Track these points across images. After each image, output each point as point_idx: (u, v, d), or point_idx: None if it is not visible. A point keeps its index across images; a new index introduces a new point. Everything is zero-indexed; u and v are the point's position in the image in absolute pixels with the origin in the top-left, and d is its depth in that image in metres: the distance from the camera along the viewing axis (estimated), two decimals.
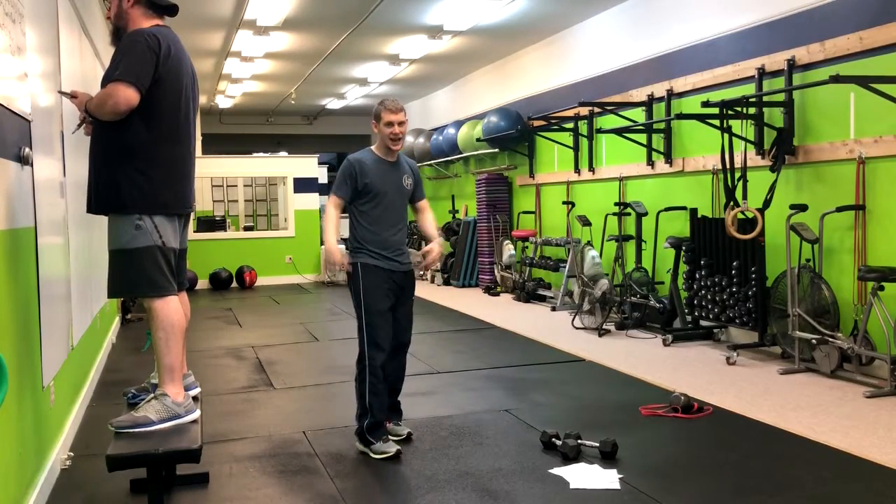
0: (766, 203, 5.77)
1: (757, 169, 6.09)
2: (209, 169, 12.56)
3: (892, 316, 4.85)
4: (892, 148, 5.10)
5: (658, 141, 7.51)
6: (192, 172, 3.34)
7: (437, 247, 4.04)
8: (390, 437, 4.00)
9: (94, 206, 3.20)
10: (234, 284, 12.14)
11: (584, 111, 8.65)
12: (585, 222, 8.08)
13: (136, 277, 3.12)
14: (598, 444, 3.78)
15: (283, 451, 4.00)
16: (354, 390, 3.96)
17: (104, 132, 3.13)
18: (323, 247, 3.86)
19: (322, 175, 14.08)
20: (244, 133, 17.03)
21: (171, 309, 3.14)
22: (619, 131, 7.53)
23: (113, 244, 3.14)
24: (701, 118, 6.06)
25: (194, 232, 12.10)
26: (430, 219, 4.21)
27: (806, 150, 5.79)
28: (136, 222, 3.09)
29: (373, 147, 4.06)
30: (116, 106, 3.01)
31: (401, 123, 3.94)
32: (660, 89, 7.42)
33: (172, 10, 3.34)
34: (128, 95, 3.00)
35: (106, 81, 3.08)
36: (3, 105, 2.84)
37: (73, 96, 3.24)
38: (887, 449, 3.78)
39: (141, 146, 3.10)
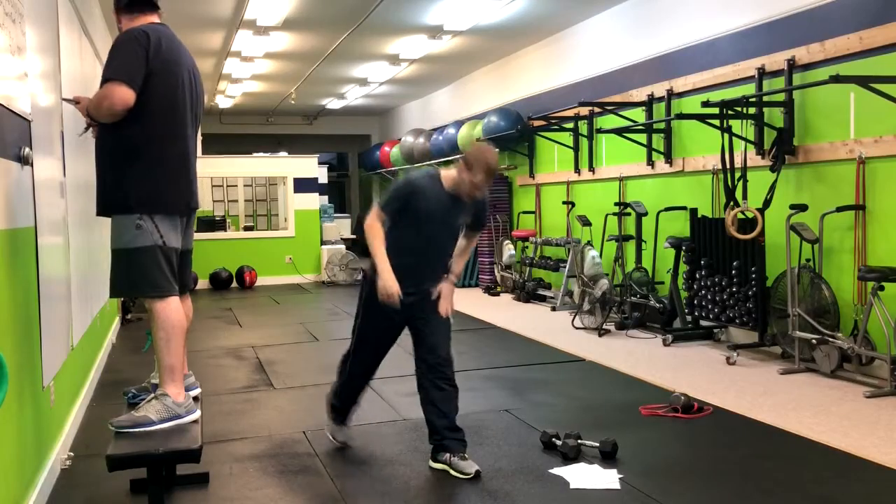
0: (766, 203, 5.77)
1: (757, 169, 6.08)
2: (209, 169, 12.52)
3: (892, 316, 4.84)
4: (892, 148, 5.09)
5: (658, 141, 7.51)
6: (193, 170, 3.33)
7: (447, 288, 3.72)
8: (455, 472, 3.58)
9: (100, 208, 3.20)
10: (234, 284, 12.14)
11: (584, 111, 8.64)
12: (585, 222, 8.08)
13: (136, 277, 3.12)
14: (598, 444, 3.78)
15: (283, 451, 4.00)
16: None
17: (104, 133, 3.15)
18: (374, 267, 3.58)
19: (322, 175, 14.06)
20: (244, 133, 17.02)
21: (172, 309, 3.14)
22: (619, 131, 7.53)
23: (114, 244, 3.14)
24: (701, 118, 6.06)
25: (194, 232, 12.08)
26: (466, 252, 3.87)
27: (806, 150, 5.78)
28: (136, 222, 3.08)
29: (443, 173, 3.69)
30: (112, 106, 3.01)
31: (484, 188, 3.63)
32: (660, 89, 7.41)
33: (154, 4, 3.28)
34: (122, 94, 2.98)
35: (102, 84, 3.09)
36: (3, 105, 2.84)
37: (76, 102, 3.23)
38: (887, 449, 3.78)
39: (139, 145, 3.09)
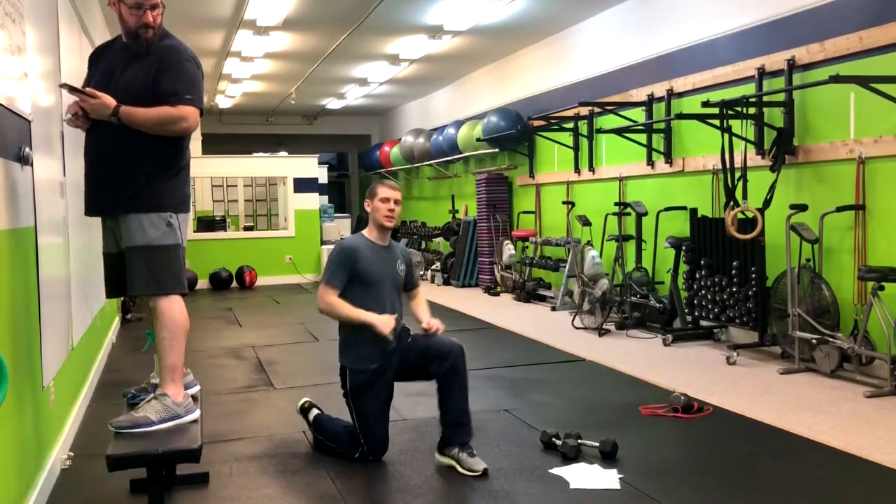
0: (766, 203, 5.77)
1: (757, 169, 6.08)
2: (209, 169, 12.55)
3: (892, 316, 4.84)
4: (892, 148, 5.10)
5: (658, 141, 7.51)
6: None
7: (437, 323, 3.87)
8: (463, 470, 3.60)
9: (122, 206, 3.14)
10: (234, 284, 12.14)
11: (584, 111, 8.64)
12: (585, 222, 8.08)
13: (163, 274, 3.15)
14: (598, 444, 3.78)
15: (283, 451, 4.00)
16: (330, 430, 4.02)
17: (139, 135, 3.11)
18: (363, 320, 3.72)
19: (322, 175, 14.06)
20: (244, 133, 17.01)
21: (177, 309, 3.16)
22: (619, 131, 7.53)
23: (140, 240, 3.11)
24: (701, 118, 6.06)
25: (194, 232, 12.10)
26: (422, 302, 4.06)
27: (806, 149, 5.79)
28: (168, 220, 3.15)
29: (364, 232, 3.93)
30: (187, 130, 3.17)
31: (396, 201, 3.82)
32: (660, 89, 7.41)
33: None
34: (197, 121, 3.18)
35: (166, 95, 3.10)
36: (3, 105, 2.84)
37: (91, 96, 3.06)
38: (887, 449, 3.78)
39: (173, 149, 3.21)
